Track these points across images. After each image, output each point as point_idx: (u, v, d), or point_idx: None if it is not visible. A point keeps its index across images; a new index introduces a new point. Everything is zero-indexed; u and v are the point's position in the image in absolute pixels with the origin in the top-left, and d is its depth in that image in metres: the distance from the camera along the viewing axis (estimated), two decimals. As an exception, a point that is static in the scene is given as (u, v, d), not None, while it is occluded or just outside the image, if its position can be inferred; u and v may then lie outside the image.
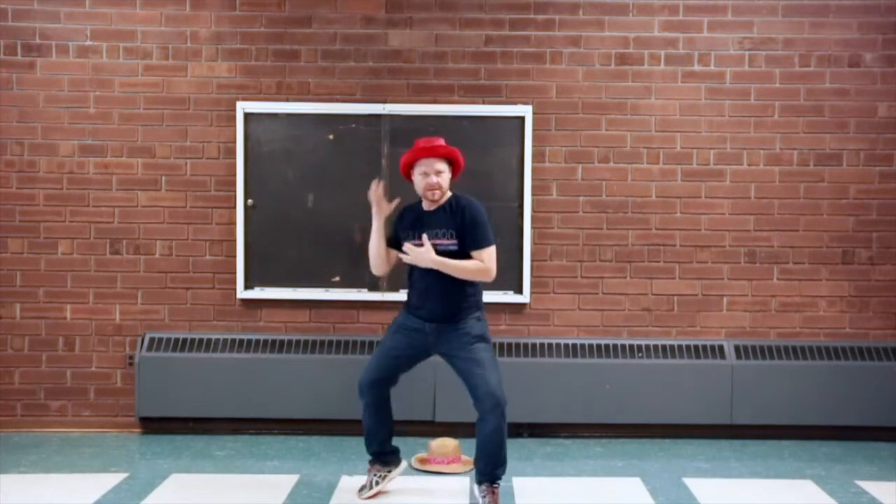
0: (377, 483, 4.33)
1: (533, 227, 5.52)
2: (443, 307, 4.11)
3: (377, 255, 4.25)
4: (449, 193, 4.19)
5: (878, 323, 5.54)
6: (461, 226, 4.08)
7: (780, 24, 5.50)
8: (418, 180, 4.13)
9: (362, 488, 4.36)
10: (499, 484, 4.13)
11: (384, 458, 4.37)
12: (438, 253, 4.06)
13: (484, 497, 4.08)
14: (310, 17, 5.51)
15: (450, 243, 4.09)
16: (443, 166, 4.11)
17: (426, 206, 4.19)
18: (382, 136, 5.46)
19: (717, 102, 5.52)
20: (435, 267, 4.05)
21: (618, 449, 5.27)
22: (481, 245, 4.09)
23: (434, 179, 4.07)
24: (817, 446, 5.33)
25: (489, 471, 4.09)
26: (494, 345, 5.41)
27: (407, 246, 4.07)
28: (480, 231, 4.09)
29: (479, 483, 4.12)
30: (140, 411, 5.46)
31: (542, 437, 5.44)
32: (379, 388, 4.22)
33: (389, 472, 4.37)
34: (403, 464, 4.47)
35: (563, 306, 5.56)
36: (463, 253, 4.10)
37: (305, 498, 4.35)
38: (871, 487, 4.57)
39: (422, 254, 4.04)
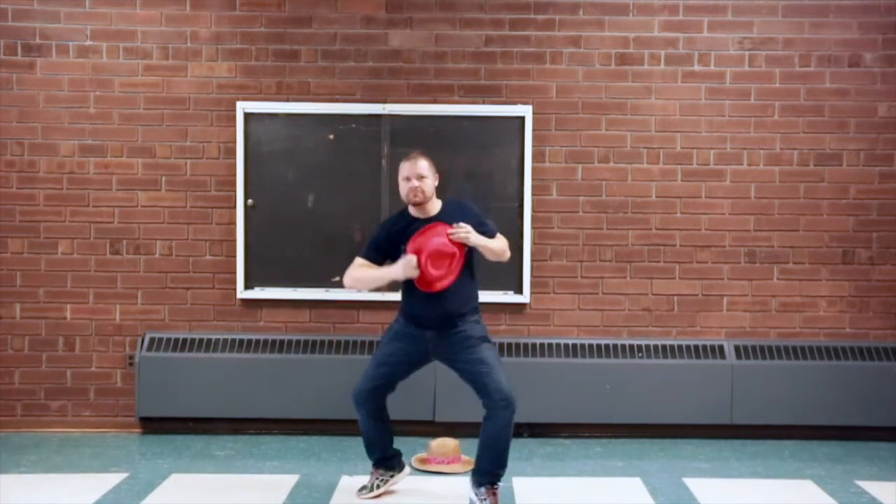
0: (379, 486, 4.34)
1: (533, 227, 5.52)
2: (447, 313, 4.11)
3: (375, 280, 4.23)
4: (438, 201, 4.21)
5: (878, 323, 5.54)
6: (472, 226, 4.12)
7: (780, 24, 5.50)
8: (402, 186, 4.17)
9: (363, 488, 4.37)
10: (499, 486, 4.12)
11: (387, 462, 4.38)
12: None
13: (484, 500, 4.08)
14: (310, 17, 5.51)
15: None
16: (426, 172, 4.12)
17: (415, 212, 4.19)
18: (382, 136, 5.46)
19: (717, 102, 5.52)
20: (478, 245, 4.08)
21: (618, 449, 5.27)
22: (495, 234, 4.22)
23: (416, 183, 4.10)
24: (817, 446, 5.33)
25: (492, 470, 4.09)
26: (494, 345, 5.47)
27: (461, 224, 4.06)
28: (487, 224, 4.21)
29: (480, 485, 4.12)
30: (140, 411, 5.46)
31: (542, 437, 5.44)
32: (377, 397, 4.23)
33: (392, 476, 4.38)
34: (407, 469, 4.47)
35: (563, 306, 5.56)
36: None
37: (305, 498, 4.35)
38: (871, 487, 4.56)
39: (470, 233, 4.06)
